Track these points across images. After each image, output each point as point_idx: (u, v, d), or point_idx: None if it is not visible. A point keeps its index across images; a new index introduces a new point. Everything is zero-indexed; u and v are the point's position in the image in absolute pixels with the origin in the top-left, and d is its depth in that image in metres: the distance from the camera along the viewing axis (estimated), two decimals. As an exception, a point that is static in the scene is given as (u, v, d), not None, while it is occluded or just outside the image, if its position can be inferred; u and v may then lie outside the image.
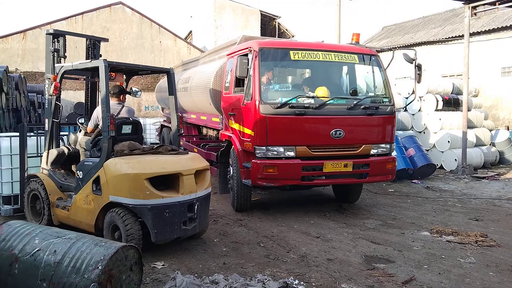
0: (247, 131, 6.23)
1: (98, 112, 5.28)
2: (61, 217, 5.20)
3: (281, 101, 5.98)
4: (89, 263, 2.96)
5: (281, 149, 5.99)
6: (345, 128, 6.12)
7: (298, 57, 6.33)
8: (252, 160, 6.01)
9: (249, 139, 6.17)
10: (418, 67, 6.74)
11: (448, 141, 11.49)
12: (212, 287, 3.65)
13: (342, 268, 4.42)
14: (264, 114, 5.91)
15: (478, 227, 6.09)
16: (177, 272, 3.98)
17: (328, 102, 6.12)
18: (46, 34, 5.77)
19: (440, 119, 11.73)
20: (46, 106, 5.77)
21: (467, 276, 4.27)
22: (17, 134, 6.08)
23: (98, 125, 5.25)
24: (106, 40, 6.66)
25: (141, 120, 21.96)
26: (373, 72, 6.75)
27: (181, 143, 9.49)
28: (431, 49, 17.75)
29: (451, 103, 12.41)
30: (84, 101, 6.63)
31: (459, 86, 12.79)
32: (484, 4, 11.32)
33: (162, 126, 12.17)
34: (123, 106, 5.56)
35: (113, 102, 5.36)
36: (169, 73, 5.49)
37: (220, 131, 7.66)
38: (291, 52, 6.32)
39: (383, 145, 6.42)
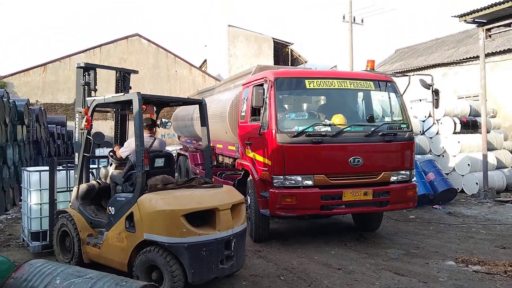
0: (264, 160, 6.21)
1: (130, 143, 5.21)
2: (91, 255, 4.96)
3: (297, 129, 5.97)
4: (110, 303, 2.94)
5: (299, 178, 5.94)
6: (364, 155, 6.06)
7: (314, 86, 6.36)
8: (270, 190, 5.97)
9: (266, 168, 6.15)
10: (436, 92, 6.69)
11: (468, 164, 11.26)
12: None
13: (366, 302, 4.29)
14: (281, 143, 5.90)
15: (506, 255, 5.88)
16: (197, 308, 3.91)
17: (345, 130, 6.09)
18: (77, 67, 5.75)
19: (458, 142, 11.54)
20: (76, 140, 5.70)
21: (498, 310, 4.10)
22: (46, 168, 6.02)
23: (129, 156, 5.18)
24: (136, 72, 6.63)
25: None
26: (389, 98, 6.72)
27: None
28: (445, 71, 17.66)
29: (469, 125, 12.24)
30: (113, 134, 6.59)
31: (477, 107, 12.63)
32: (498, 26, 11.29)
33: (179, 154, 12.25)
34: (155, 138, 5.46)
35: (145, 135, 5.20)
36: (201, 104, 5.40)
37: (237, 160, 7.66)
38: (306, 81, 6.35)
39: (403, 172, 6.32)
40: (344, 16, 21.32)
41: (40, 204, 6.03)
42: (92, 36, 68.58)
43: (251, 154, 6.72)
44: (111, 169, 5.58)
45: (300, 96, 7.19)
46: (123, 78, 6.33)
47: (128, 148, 5.26)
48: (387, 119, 6.90)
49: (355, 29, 21.36)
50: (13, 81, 20.26)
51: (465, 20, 11.30)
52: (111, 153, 5.78)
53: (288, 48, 28.79)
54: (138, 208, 4.33)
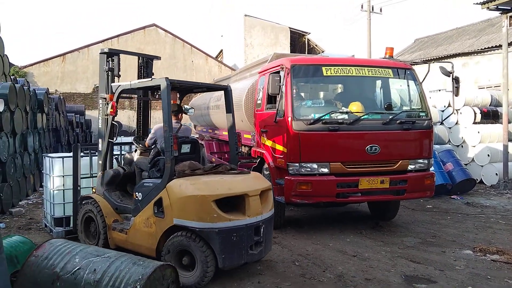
0: (280, 147, 6.21)
1: (156, 130, 5.20)
2: (118, 240, 4.96)
3: (314, 117, 5.94)
4: (128, 282, 3.00)
5: (315, 165, 5.92)
6: (381, 144, 6.00)
7: (331, 73, 6.30)
8: (285, 177, 5.97)
9: (282, 156, 6.15)
10: (456, 80, 6.57)
11: (488, 155, 11.05)
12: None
13: (381, 288, 4.28)
14: (297, 130, 5.88)
15: (526, 246, 5.78)
16: (213, 291, 3.96)
17: (362, 117, 6.03)
18: (100, 53, 5.71)
19: (478, 132, 11.32)
20: (100, 126, 5.64)
21: (516, 299, 4.04)
22: (69, 154, 6.07)
23: (156, 142, 5.18)
24: (158, 58, 6.55)
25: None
26: (408, 86, 6.61)
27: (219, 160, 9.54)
28: (466, 61, 17.30)
29: (490, 115, 11.97)
30: (136, 120, 6.57)
31: (498, 97, 12.34)
32: (522, 13, 10.97)
33: (195, 143, 12.30)
34: (181, 125, 5.45)
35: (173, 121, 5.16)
36: (226, 90, 5.36)
37: (252, 148, 7.68)
38: (323, 68, 6.29)
39: (420, 161, 6.24)
40: (362, 5, 21.02)
41: (63, 190, 6.09)
42: (109, 26, 69.18)
43: (267, 142, 6.72)
44: (136, 155, 5.57)
45: (317, 84, 7.13)
46: (145, 64, 6.26)
47: (154, 135, 5.25)
48: (405, 107, 6.80)
49: (373, 18, 21.07)
50: (33, 71, 20.62)
51: (488, 7, 10.99)
52: (136, 139, 5.79)
53: (304, 38, 28.53)
54: (167, 193, 4.31)
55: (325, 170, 5.92)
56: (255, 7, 27.42)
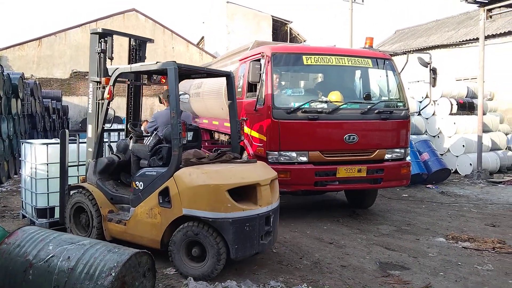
0: (260, 136, 6.21)
1: (158, 116, 5.05)
2: (115, 232, 4.73)
3: (293, 106, 5.96)
4: (103, 269, 2.97)
5: (294, 154, 5.95)
6: (359, 133, 6.07)
7: (311, 62, 6.31)
8: (265, 165, 5.97)
9: (261, 144, 6.15)
10: (433, 71, 6.66)
11: (463, 145, 11.32)
12: (225, 294, 3.63)
13: (356, 275, 4.36)
14: (277, 119, 5.89)
15: (495, 233, 5.96)
16: (190, 278, 3.97)
17: (341, 107, 6.08)
18: (92, 33, 5.33)
19: (454, 123, 11.58)
20: (90, 111, 5.32)
21: (485, 284, 4.18)
22: (54, 141, 5.80)
23: (157, 129, 5.01)
24: (151, 41, 6.23)
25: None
26: (387, 76, 6.69)
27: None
28: (444, 53, 17.55)
29: (466, 107, 12.25)
30: (126, 106, 6.20)
31: (474, 89, 12.62)
32: (500, 7, 11.17)
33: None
34: (181, 111, 5.10)
35: (167, 107, 5.05)
36: (229, 76, 5.19)
37: (232, 136, 7.65)
38: (304, 57, 6.29)
39: (397, 150, 6.35)
40: (344, -5, 21.02)
41: (47, 179, 5.72)
42: (88, 10, 67.47)
43: (246, 130, 6.71)
44: (131, 143, 5.34)
45: (297, 73, 7.13)
46: (138, 47, 5.95)
47: (155, 122, 5.07)
48: (384, 97, 6.88)
49: (355, 9, 21.12)
50: (7, 54, 19.97)
51: (466, 0, 11.16)
52: (131, 126, 5.58)
53: (287, 27, 28.42)
54: (175, 182, 4.14)
55: (304, 158, 5.96)
56: (238, -6, 27.10)
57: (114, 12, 21.80)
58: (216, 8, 27.56)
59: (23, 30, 62.73)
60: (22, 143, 6.36)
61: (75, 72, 20.78)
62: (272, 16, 27.39)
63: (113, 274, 2.93)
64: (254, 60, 6.26)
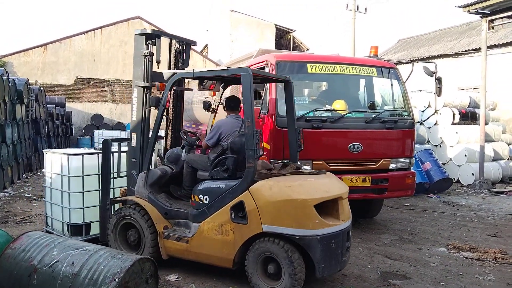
0: (263, 144, 6.24)
1: (221, 126, 4.71)
2: (174, 250, 4.37)
3: (297, 114, 5.98)
4: (106, 275, 3.00)
5: (297, 163, 5.97)
6: (363, 142, 6.08)
7: (315, 70, 6.34)
8: (267, 174, 5.99)
9: (265, 153, 6.17)
10: (439, 80, 6.68)
11: (465, 155, 11.33)
12: (227, 301, 3.64)
13: (357, 284, 4.37)
14: (281, 127, 5.91)
15: (497, 244, 5.96)
16: (192, 285, 3.99)
17: (345, 116, 6.10)
18: (137, 34, 4.95)
19: (456, 133, 11.59)
20: (134, 119, 4.91)
21: (487, 295, 4.19)
22: (90, 151, 5.44)
23: (221, 140, 4.67)
24: (195, 43, 5.84)
25: (160, 132, 22.34)
26: (391, 85, 6.70)
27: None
28: (447, 62, 17.61)
29: (468, 116, 12.28)
30: (171, 113, 5.62)
31: (476, 99, 12.65)
32: (502, 17, 11.24)
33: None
34: (242, 120, 4.77)
35: (232, 117, 4.81)
36: (287, 82, 4.89)
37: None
38: (308, 65, 6.33)
39: (402, 160, 6.36)
40: (347, 4, 21.19)
41: (83, 193, 5.26)
42: (93, 17, 67.99)
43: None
44: (183, 152, 4.94)
45: (301, 81, 7.17)
46: (182, 50, 5.56)
47: (218, 131, 4.70)
48: (388, 106, 6.91)
49: (358, 18, 21.27)
50: (13, 60, 20.15)
51: (469, 11, 11.24)
52: (182, 134, 5.15)
53: (290, 35, 28.59)
54: (251, 197, 3.86)
55: (308, 167, 5.98)
56: (242, 3, 27.35)
57: (119, 19, 21.99)
58: (220, 16, 27.79)
59: (28, 36, 63.28)
60: (46, 153, 5.83)
61: (79, 78, 20.93)
62: (275, 25, 27.57)
63: (116, 280, 2.96)
64: (258, 68, 6.32)
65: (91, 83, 21.13)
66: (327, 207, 3.92)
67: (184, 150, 4.96)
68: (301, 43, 29.03)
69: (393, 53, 22.76)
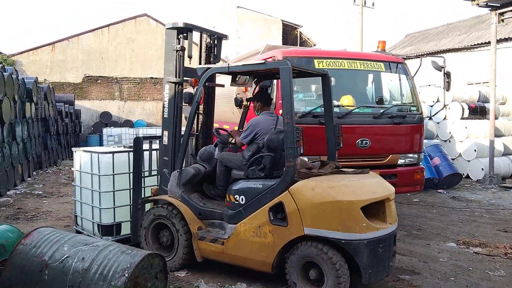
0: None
1: (256, 124, 4.49)
2: (208, 252, 4.23)
3: (305, 110, 5.97)
4: (116, 270, 3.02)
5: (305, 159, 5.95)
6: (372, 138, 6.04)
7: (323, 66, 6.31)
8: (275, 170, 5.99)
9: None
10: (447, 75, 6.61)
11: (475, 150, 11.23)
12: (236, 296, 3.66)
13: (366, 279, 4.35)
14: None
15: (507, 239, 5.92)
16: (201, 280, 4.01)
17: (353, 111, 6.07)
18: (168, 28, 4.76)
19: (466, 128, 11.49)
20: (166, 116, 4.79)
21: (497, 290, 4.16)
22: (121, 149, 5.32)
23: (256, 138, 4.46)
24: (227, 37, 5.61)
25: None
26: (399, 80, 6.65)
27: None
28: (456, 57, 17.43)
29: (478, 111, 12.16)
30: (202, 110, 5.45)
31: (486, 93, 12.52)
32: (511, 10, 11.09)
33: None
34: (277, 117, 4.66)
35: (267, 113, 4.64)
36: (325, 76, 4.63)
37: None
38: (315, 60, 6.30)
39: (411, 155, 6.31)
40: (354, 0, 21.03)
41: (113, 192, 5.11)
42: (100, 16, 68.30)
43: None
44: (216, 151, 4.82)
45: (308, 77, 7.15)
46: (214, 44, 5.35)
47: (252, 130, 4.48)
48: (397, 101, 6.86)
49: (365, 12, 21.10)
50: (22, 59, 20.34)
51: (478, 4, 11.10)
52: (216, 132, 5.00)
53: (297, 31, 28.48)
54: (291, 197, 3.68)
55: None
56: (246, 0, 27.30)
57: (126, 17, 22.08)
58: (226, 13, 27.76)
59: (37, 35, 63.73)
60: (75, 151, 5.77)
61: (87, 76, 21.06)
62: (282, 21, 27.48)
63: (126, 275, 2.98)
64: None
65: (99, 81, 21.26)
66: (372, 209, 3.67)
67: (217, 148, 4.84)
68: (308, 38, 28.90)
69: (401, 48, 22.58)
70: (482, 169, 11.01)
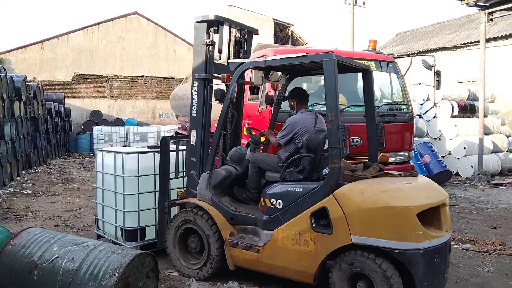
0: (262, 139, 6.24)
1: (296, 122, 4.14)
2: (242, 260, 3.94)
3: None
4: (107, 270, 3.01)
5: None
6: (363, 136, 6.06)
7: (314, 65, 6.32)
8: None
9: (263, 148, 6.17)
10: (437, 74, 6.67)
11: (464, 148, 11.34)
12: (227, 295, 3.66)
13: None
14: (280, 122, 5.90)
15: (496, 235, 5.98)
16: (192, 279, 4.00)
17: (344, 110, 6.10)
18: (197, 22, 4.49)
19: (455, 126, 11.61)
20: (195, 115, 4.54)
21: (485, 286, 4.20)
22: (146, 150, 5.07)
23: (295, 138, 4.12)
24: (257, 31, 5.26)
25: (156, 128, 22.07)
26: (390, 79, 6.70)
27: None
28: (446, 55, 17.58)
29: (467, 109, 12.28)
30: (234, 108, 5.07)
31: (475, 92, 12.66)
32: (500, 10, 11.21)
33: (177, 134, 12.29)
34: (316, 115, 4.31)
35: (306, 111, 4.31)
36: (366, 71, 4.32)
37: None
38: (306, 59, 6.30)
39: (401, 153, 6.36)
40: (345, -2, 21.10)
41: (138, 194, 4.84)
42: (90, 14, 67.75)
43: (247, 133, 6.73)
44: (248, 151, 4.54)
45: (299, 75, 7.16)
46: (244, 39, 5.07)
47: (291, 130, 4.13)
48: (387, 100, 6.90)
49: (356, 11, 21.18)
50: (10, 57, 20.09)
51: (467, 3, 11.19)
52: (248, 132, 4.70)
53: (288, 29, 28.49)
54: (337, 202, 3.38)
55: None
56: (239, -3, 27.25)
57: (116, 15, 21.93)
58: (218, 11, 27.68)
59: (26, 33, 63.03)
60: (97, 152, 5.48)
61: (77, 74, 20.89)
62: (274, 19, 27.48)
63: (116, 275, 2.97)
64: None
65: (89, 79, 21.09)
66: (426, 215, 3.34)
67: (249, 148, 4.57)
68: (299, 37, 28.94)
69: (391, 47, 22.72)
70: (472, 166, 11.13)
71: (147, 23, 22.41)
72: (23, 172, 11.28)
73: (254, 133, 4.70)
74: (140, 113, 22.08)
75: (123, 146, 18.66)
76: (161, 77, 22.29)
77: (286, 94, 4.83)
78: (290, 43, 27.36)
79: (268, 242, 3.74)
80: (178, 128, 12.93)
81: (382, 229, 3.21)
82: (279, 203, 3.73)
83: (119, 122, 20.73)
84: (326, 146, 3.77)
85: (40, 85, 14.60)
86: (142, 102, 22.07)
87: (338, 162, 3.41)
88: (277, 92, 5.06)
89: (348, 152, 3.55)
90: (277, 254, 3.71)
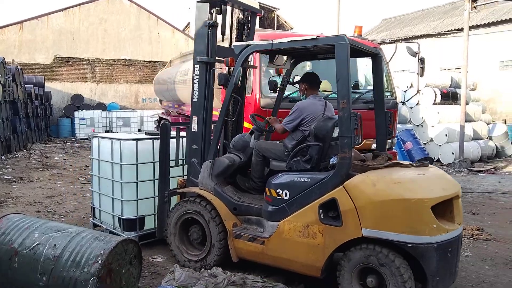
0: (246, 125, 6.21)
1: (305, 108, 3.96)
2: (246, 252, 3.81)
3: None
4: (89, 257, 2.98)
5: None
6: None
7: (299, 50, 6.29)
8: (251, 155, 5.98)
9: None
10: (421, 61, 6.68)
11: (446, 135, 11.53)
12: (211, 280, 3.66)
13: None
14: (264, 107, 5.88)
15: (474, 221, 6.13)
16: (176, 265, 3.99)
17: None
18: (199, 1, 4.27)
19: (438, 113, 11.76)
20: (196, 100, 4.35)
21: (463, 270, 4.31)
22: (144, 136, 4.91)
23: (302, 125, 3.94)
24: (260, 11, 5.03)
25: (139, 113, 21.77)
26: None
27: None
28: (430, 42, 17.71)
29: (449, 96, 12.45)
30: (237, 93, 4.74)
31: (458, 79, 12.82)
32: (483, -2, 11.32)
33: (160, 119, 12.16)
34: (326, 102, 4.13)
35: (315, 97, 4.12)
36: (376, 56, 4.09)
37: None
38: (291, 44, 6.26)
39: None
40: (331, -17, 20.97)
41: (136, 183, 4.67)
42: (71, -6, 65.94)
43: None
44: (252, 139, 4.35)
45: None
46: (247, 20, 4.82)
47: (298, 115, 3.93)
48: (371, 86, 6.92)
49: (342, -4, 21.10)
50: (-12, 38, 19.50)
51: (452, -10, 11.26)
52: (252, 118, 4.52)
53: (274, 14, 28.27)
54: (347, 194, 3.24)
55: None
56: (224, -20, 26.80)
57: (98, -4, 21.37)
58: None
59: (3, 13, 61.01)
60: (93, 138, 5.23)
61: (58, 57, 20.39)
62: (259, 3, 27.17)
63: (99, 262, 2.94)
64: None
65: (70, 62, 20.62)
66: (439, 208, 3.21)
67: (253, 136, 4.39)
68: (285, 22, 28.76)
69: (377, 33, 22.77)
70: (453, 153, 11.34)
71: (130, 4, 21.92)
72: (3, 157, 11.05)
73: (259, 120, 4.53)
74: (123, 98, 21.74)
75: (105, 131, 18.40)
76: (144, 61, 21.93)
77: (291, 79, 4.68)
78: (275, 28, 27.17)
79: (274, 234, 3.62)
80: (162, 113, 12.80)
81: (395, 222, 3.10)
82: (286, 193, 3.59)
83: (101, 106, 20.39)
84: (334, 134, 3.72)
85: (19, 68, 14.22)
86: (124, 86, 21.72)
87: (349, 151, 3.27)
88: (280, 77, 4.88)
89: (359, 142, 3.39)
90: (283, 246, 3.59)
